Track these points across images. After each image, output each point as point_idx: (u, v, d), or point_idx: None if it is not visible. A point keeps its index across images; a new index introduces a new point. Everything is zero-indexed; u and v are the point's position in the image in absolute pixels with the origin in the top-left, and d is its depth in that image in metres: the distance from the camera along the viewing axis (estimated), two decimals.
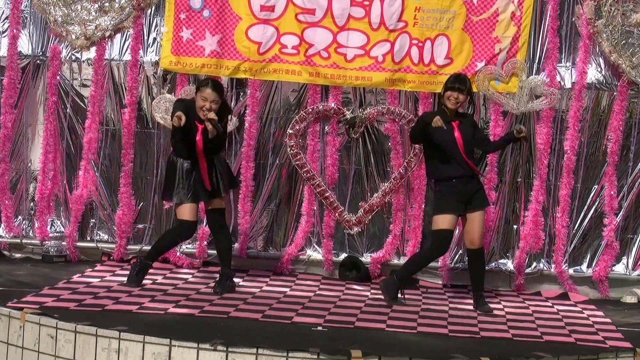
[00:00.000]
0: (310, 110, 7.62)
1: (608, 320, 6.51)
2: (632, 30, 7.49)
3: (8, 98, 7.64)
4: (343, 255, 7.76)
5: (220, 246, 6.71)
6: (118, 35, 7.68)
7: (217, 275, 6.74)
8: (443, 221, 6.43)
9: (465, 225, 6.58)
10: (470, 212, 6.49)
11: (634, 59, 7.46)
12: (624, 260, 7.71)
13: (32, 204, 7.82)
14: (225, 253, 6.70)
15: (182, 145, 6.47)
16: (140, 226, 7.74)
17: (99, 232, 7.81)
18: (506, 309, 6.71)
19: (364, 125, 7.67)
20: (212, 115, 6.33)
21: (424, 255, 6.72)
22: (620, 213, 7.63)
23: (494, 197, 7.61)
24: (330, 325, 5.65)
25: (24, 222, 7.83)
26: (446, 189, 6.48)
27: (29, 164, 7.84)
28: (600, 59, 7.58)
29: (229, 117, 6.88)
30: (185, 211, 6.53)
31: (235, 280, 6.91)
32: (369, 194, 7.75)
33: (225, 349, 4.83)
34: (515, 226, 7.72)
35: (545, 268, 7.69)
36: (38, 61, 7.73)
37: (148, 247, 7.60)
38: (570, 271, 7.66)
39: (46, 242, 7.67)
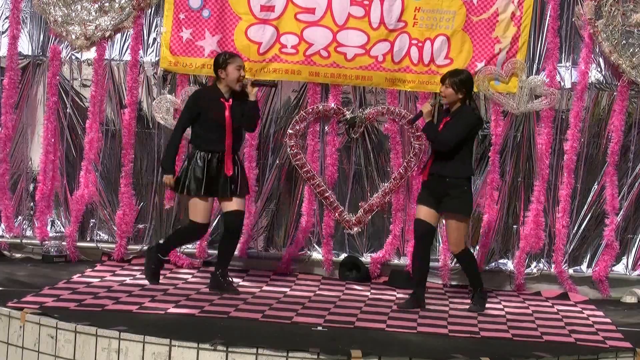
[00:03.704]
0: (310, 110, 7.62)
1: (608, 320, 6.51)
2: (632, 30, 7.48)
3: (9, 98, 7.63)
4: (343, 255, 7.76)
5: (227, 249, 6.66)
6: (118, 35, 7.67)
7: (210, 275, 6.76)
8: (417, 210, 6.56)
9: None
10: (444, 216, 6.54)
11: (634, 59, 7.46)
12: (624, 260, 7.72)
13: (31, 204, 7.81)
14: (227, 255, 6.67)
15: (206, 132, 6.44)
16: (140, 226, 7.74)
17: (99, 232, 7.81)
18: (506, 309, 6.71)
19: (364, 125, 7.67)
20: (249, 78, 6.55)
21: (414, 249, 6.73)
22: (620, 213, 7.63)
23: (496, 197, 7.61)
24: (330, 325, 5.65)
25: (24, 222, 7.82)
26: (423, 183, 6.60)
27: (29, 164, 7.84)
28: (600, 59, 7.58)
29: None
30: (197, 211, 6.49)
31: (235, 280, 6.92)
32: (369, 194, 7.75)
33: (225, 349, 4.83)
34: (515, 226, 7.72)
35: (545, 268, 7.69)
36: (38, 61, 7.73)
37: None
38: (570, 271, 7.66)
39: (46, 242, 7.66)
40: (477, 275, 6.63)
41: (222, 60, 6.54)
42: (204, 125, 6.47)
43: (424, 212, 6.48)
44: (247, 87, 6.49)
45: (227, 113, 6.43)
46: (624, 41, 7.46)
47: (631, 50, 7.47)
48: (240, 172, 6.57)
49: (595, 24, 7.43)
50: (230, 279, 6.68)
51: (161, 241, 7.00)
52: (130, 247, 7.68)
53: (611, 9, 7.43)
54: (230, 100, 6.50)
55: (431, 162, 6.48)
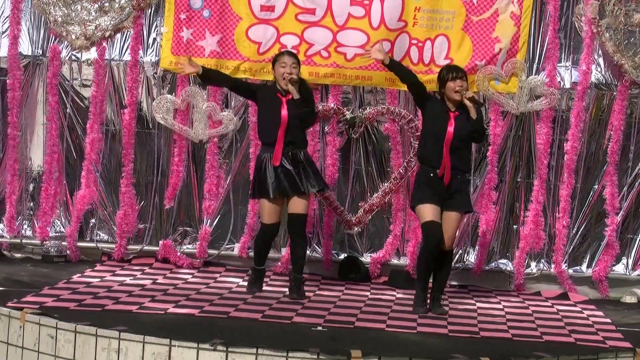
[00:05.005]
0: None
1: (608, 320, 6.51)
2: (634, 30, 7.48)
3: (14, 98, 7.61)
4: (343, 255, 7.76)
5: (294, 253, 6.64)
6: (118, 35, 7.67)
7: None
8: (424, 212, 6.20)
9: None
10: (446, 210, 6.26)
11: (636, 59, 7.45)
12: (624, 260, 7.72)
13: (31, 203, 7.81)
14: (298, 260, 6.62)
15: (265, 126, 6.52)
16: (140, 226, 7.73)
17: (99, 232, 7.80)
18: (506, 309, 6.71)
19: (364, 125, 7.67)
20: (293, 75, 6.43)
21: (420, 252, 6.45)
22: (620, 213, 7.63)
23: (494, 197, 7.61)
24: (330, 325, 5.65)
25: (24, 222, 7.82)
26: (423, 179, 6.30)
27: (29, 164, 7.83)
28: (600, 59, 7.58)
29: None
30: (263, 211, 6.54)
31: (236, 280, 6.91)
32: (369, 194, 7.75)
33: (225, 349, 4.83)
34: (515, 226, 7.71)
35: (545, 268, 7.69)
36: (38, 61, 7.72)
37: (148, 247, 7.68)
38: (570, 271, 7.65)
39: (46, 242, 7.66)
40: (447, 279, 6.52)
41: (273, 58, 6.63)
42: (264, 120, 6.56)
43: (435, 213, 6.19)
44: (289, 85, 6.45)
45: (283, 112, 6.42)
46: (626, 41, 7.46)
47: (633, 50, 7.46)
48: (306, 170, 6.49)
49: (599, 24, 7.42)
50: (299, 285, 6.60)
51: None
52: (130, 247, 7.67)
53: (614, 9, 7.42)
54: (289, 95, 6.48)
55: (448, 158, 6.19)
